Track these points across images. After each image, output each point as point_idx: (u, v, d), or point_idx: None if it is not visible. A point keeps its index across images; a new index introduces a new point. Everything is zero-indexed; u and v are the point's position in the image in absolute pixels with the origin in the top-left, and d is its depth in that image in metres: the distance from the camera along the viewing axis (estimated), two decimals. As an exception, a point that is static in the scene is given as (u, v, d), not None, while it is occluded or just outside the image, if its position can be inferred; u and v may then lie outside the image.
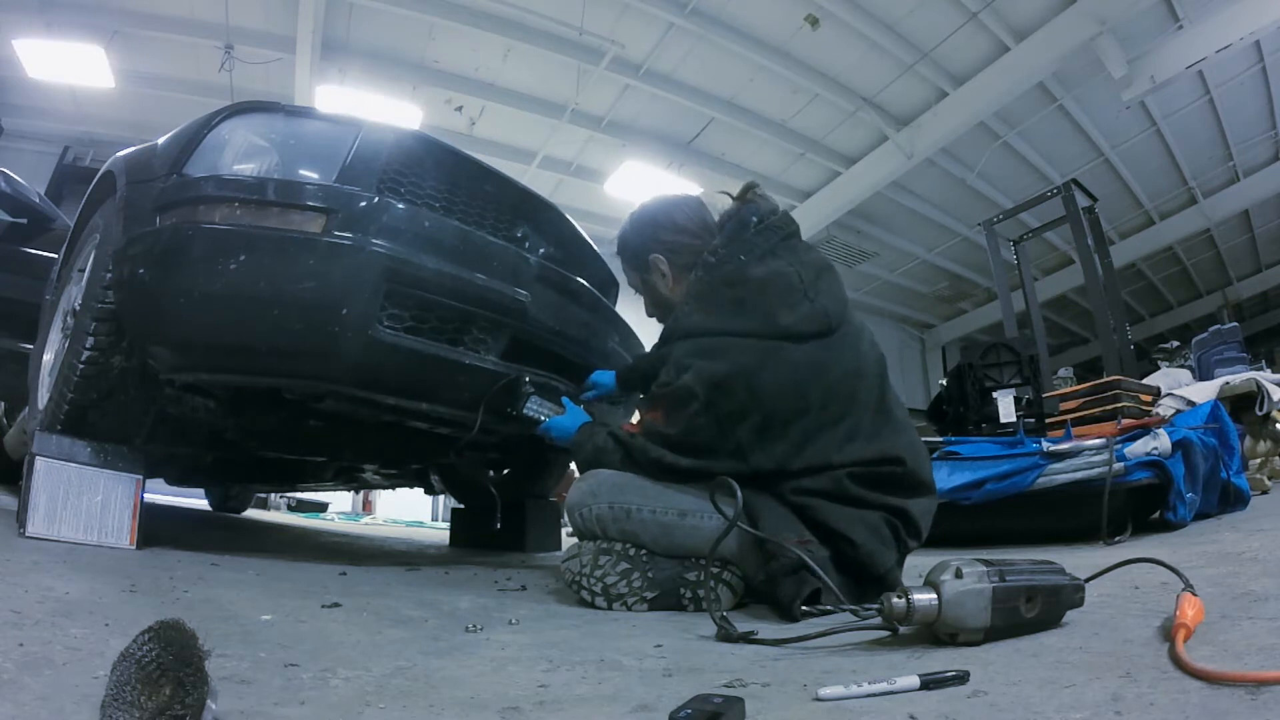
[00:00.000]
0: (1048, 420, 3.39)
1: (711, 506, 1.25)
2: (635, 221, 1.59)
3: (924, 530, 1.34)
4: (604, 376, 1.80)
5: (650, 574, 1.29)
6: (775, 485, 1.28)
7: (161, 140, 1.60)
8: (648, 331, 1.81)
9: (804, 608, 1.14)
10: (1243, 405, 3.13)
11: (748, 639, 0.96)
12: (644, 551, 1.31)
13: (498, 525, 2.19)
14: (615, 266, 2.31)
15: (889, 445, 1.30)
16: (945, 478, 2.31)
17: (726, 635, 0.98)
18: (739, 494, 1.17)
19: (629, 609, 1.27)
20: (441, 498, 3.97)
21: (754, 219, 1.42)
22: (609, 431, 1.41)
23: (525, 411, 1.59)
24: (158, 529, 1.72)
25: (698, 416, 1.27)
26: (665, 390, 1.32)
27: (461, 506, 3.07)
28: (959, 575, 0.84)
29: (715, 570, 1.25)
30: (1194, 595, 0.84)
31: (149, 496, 1.66)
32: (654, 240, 1.54)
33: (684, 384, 1.28)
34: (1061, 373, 5.53)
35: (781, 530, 1.21)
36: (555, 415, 1.58)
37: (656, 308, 1.60)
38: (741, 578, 1.29)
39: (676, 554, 1.31)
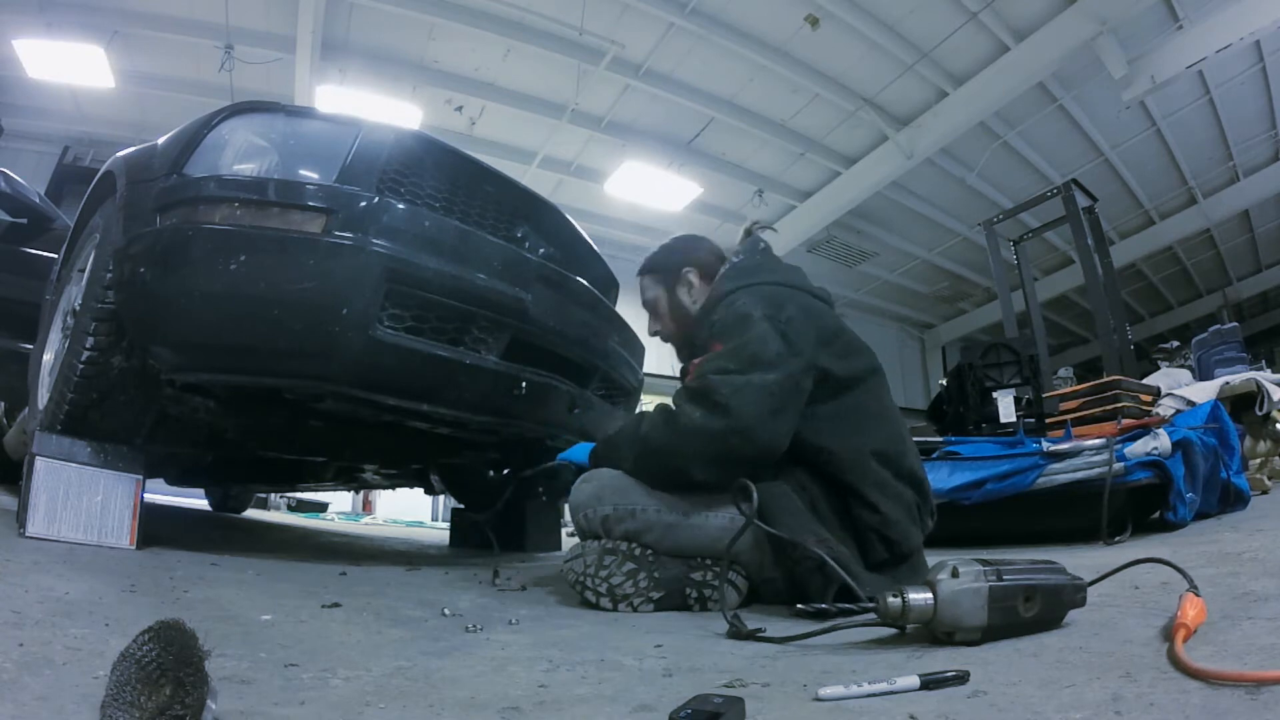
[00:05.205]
0: (1048, 420, 3.38)
1: (715, 505, 1.26)
2: (672, 242, 1.73)
3: (933, 512, 1.41)
4: (578, 452, 1.55)
5: (656, 574, 1.29)
6: (813, 457, 1.30)
7: (161, 140, 1.60)
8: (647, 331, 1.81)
9: (799, 605, 1.15)
10: (1243, 405, 3.13)
11: (756, 636, 0.98)
12: (649, 551, 1.31)
13: (520, 536, 2.22)
14: (615, 266, 2.32)
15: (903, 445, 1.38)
16: (945, 478, 2.31)
17: (737, 632, 1.00)
18: (754, 494, 1.18)
19: (634, 609, 1.27)
20: (441, 498, 3.97)
21: (761, 243, 1.58)
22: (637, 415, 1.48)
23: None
24: (158, 529, 1.72)
25: (760, 324, 1.31)
26: (717, 320, 1.39)
27: (461, 506, 3.07)
28: (955, 574, 0.84)
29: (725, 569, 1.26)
30: (1197, 595, 0.84)
31: (149, 496, 1.66)
32: (690, 255, 1.64)
33: (738, 308, 1.36)
34: (1061, 373, 5.52)
35: (799, 530, 1.22)
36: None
37: (673, 320, 1.64)
38: (747, 577, 1.29)
39: (680, 553, 1.31)
